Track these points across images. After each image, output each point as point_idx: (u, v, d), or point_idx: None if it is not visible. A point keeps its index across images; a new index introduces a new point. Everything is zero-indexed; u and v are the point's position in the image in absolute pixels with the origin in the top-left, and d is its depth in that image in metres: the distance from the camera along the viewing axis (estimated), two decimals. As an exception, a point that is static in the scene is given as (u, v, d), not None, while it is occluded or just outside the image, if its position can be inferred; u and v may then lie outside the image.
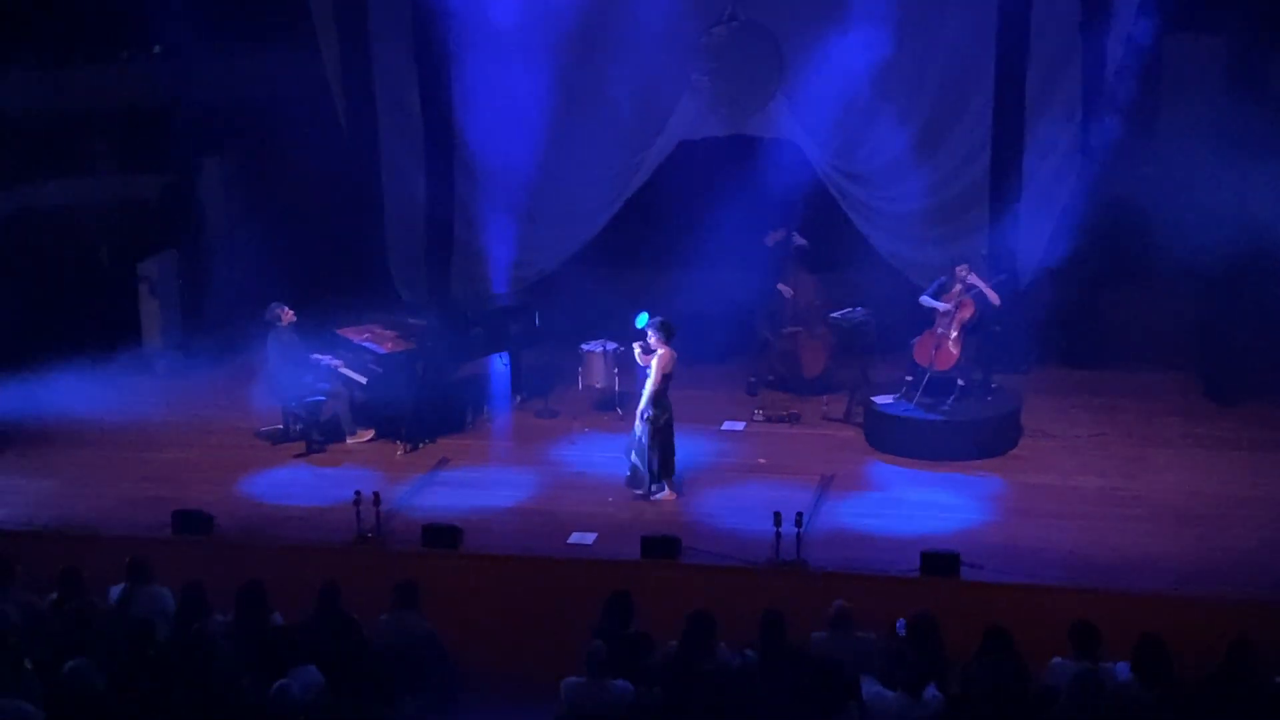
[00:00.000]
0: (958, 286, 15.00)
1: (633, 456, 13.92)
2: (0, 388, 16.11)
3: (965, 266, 15.06)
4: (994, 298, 14.98)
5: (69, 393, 16.66)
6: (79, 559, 11.31)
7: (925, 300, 15.14)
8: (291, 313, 15.12)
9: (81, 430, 15.89)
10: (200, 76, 17.75)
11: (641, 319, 16.66)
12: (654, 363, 13.68)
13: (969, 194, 16.86)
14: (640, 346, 13.82)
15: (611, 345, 16.00)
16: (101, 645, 9.96)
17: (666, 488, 13.94)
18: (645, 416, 13.70)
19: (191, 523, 13.21)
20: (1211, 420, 15.53)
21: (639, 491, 13.91)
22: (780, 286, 16.56)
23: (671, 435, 13.89)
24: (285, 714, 9.20)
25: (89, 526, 13.46)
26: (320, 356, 15.30)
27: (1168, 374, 16.55)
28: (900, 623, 10.50)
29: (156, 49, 17.94)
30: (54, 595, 10.91)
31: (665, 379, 13.68)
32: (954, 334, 14.92)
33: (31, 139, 17.31)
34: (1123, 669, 9.71)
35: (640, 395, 13.77)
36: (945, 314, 14.98)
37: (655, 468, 13.83)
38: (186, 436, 15.76)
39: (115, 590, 11.12)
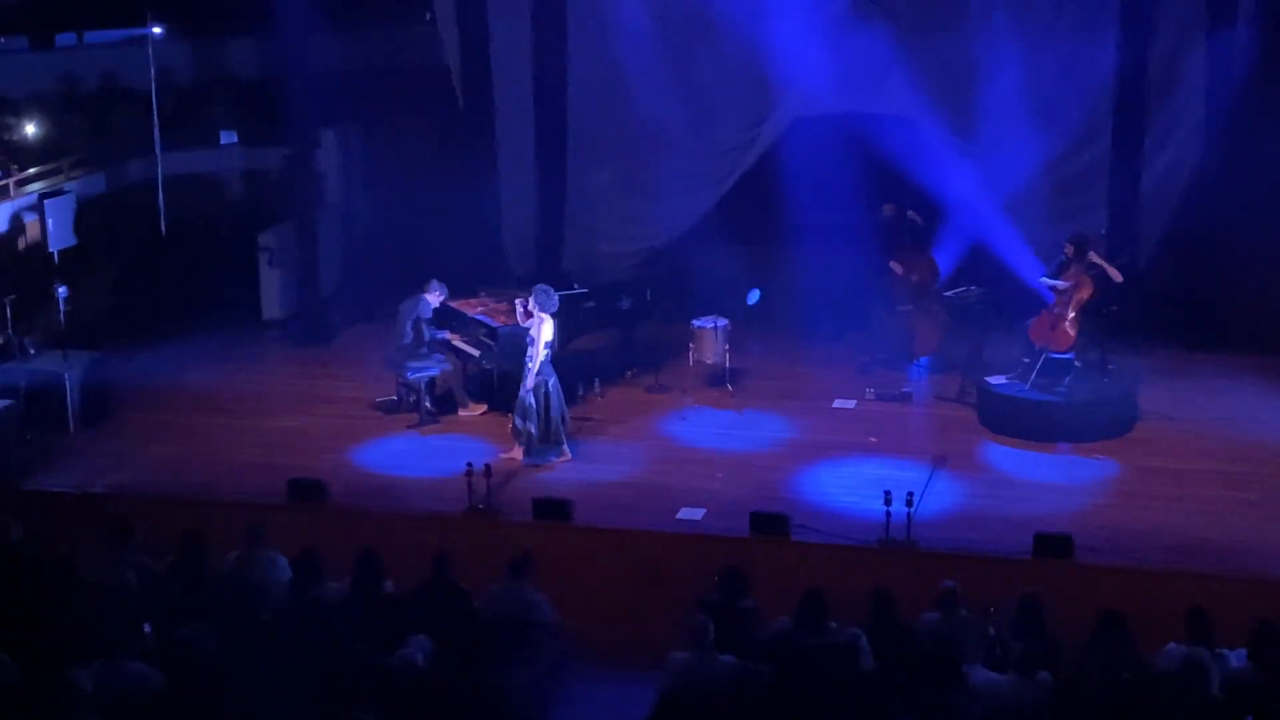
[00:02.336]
0: (1074, 266, 14.79)
1: (519, 422, 14.11)
2: (124, 354, 16.43)
3: (1070, 246, 14.85)
4: (1115, 274, 14.78)
5: (189, 359, 16.97)
6: (195, 524, 11.47)
7: (1045, 282, 14.96)
8: (440, 296, 15.21)
9: (200, 397, 16.15)
10: (321, 50, 17.92)
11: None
12: (543, 328, 13.87)
13: (1089, 172, 16.65)
14: (522, 306, 14.05)
15: (723, 321, 15.98)
16: (217, 609, 10.12)
17: (565, 450, 14.25)
18: (530, 384, 13.98)
19: (306, 491, 13.39)
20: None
21: (527, 459, 14.11)
22: (892, 264, 16.43)
23: (553, 400, 14.08)
24: (404, 682, 9.31)
25: (206, 492, 13.69)
26: (436, 329, 15.42)
27: (1290, 357, 16.25)
28: (992, 608, 10.37)
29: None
30: (171, 558, 11.10)
31: (547, 346, 13.95)
32: (1071, 314, 14.72)
33: (160, 108, 17.58)
34: (1239, 655, 9.56)
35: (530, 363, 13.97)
36: (1063, 293, 14.79)
37: (554, 430, 14.12)
38: (302, 405, 15.96)
39: (231, 556, 11.30)
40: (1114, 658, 9.35)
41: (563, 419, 14.28)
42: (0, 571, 10.85)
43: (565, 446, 14.28)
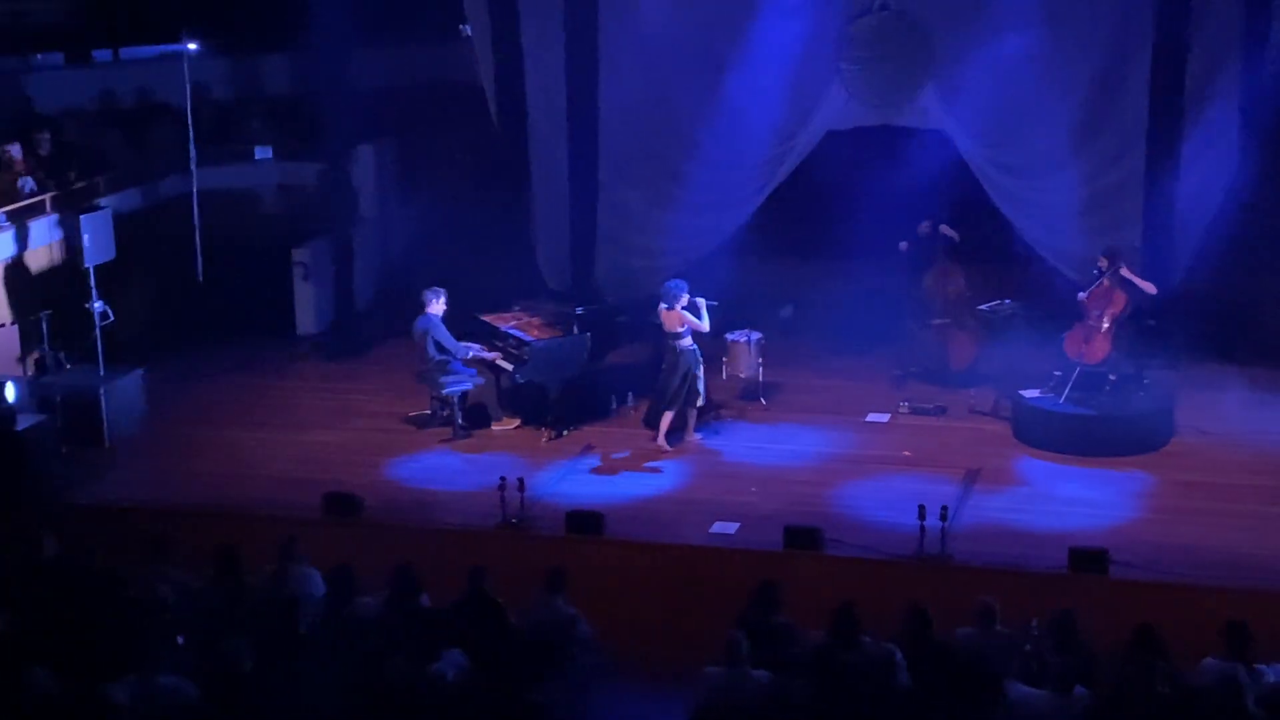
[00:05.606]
0: (1104, 281, 14.74)
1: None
2: (159, 368, 16.50)
3: (1104, 259, 14.81)
4: (1149, 287, 14.73)
5: (224, 374, 17.04)
6: (231, 539, 11.52)
7: (1082, 298, 14.91)
8: (441, 302, 15.26)
9: (235, 411, 16.23)
10: (356, 66, 18.01)
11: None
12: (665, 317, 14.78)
13: (1124, 185, 16.50)
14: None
15: (756, 335, 15.97)
16: (252, 624, 10.16)
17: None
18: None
19: (341, 505, 13.43)
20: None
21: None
22: (925, 279, 16.36)
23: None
24: (437, 696, 9.31)
25: (241, 506, 13.74)
26: (468, 344, 15.46)
27: (1328, 369, 16.12)
28: (1034, 622, 10.32)
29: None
30: (207, 573, 11.14)
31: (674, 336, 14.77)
32: (1105, 326, 14.68)
33: (196, 124, 17.70)
34: (1276, 670, 9.50)
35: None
36: (1096, 306, 14.74)
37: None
38: (336, 420, 16.01)
39: (266, 570, 11.33)
40: (1150, 673, 9.29)
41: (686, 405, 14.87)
42: (37, 586, 10.91)
43: (688, 435, 15.02)
